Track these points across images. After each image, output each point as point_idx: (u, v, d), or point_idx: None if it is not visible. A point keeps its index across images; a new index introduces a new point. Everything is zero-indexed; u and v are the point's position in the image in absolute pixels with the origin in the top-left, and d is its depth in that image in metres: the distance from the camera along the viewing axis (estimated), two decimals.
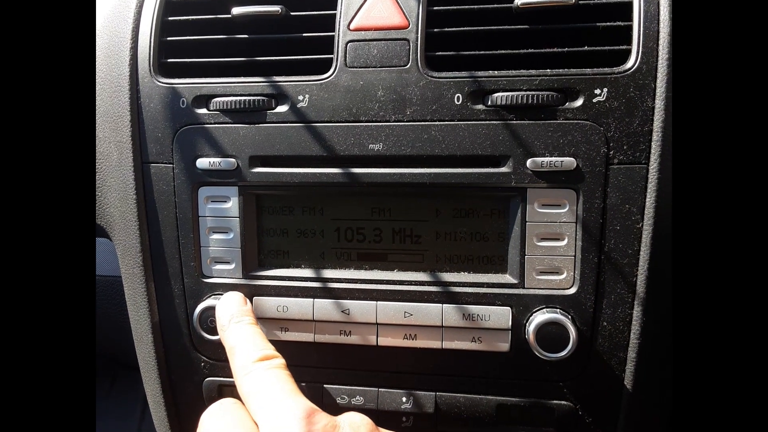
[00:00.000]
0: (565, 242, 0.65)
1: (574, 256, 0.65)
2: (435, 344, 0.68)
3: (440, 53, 0.66)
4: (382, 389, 0.72)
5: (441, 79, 0.65)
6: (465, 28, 0.66)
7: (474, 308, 0.67)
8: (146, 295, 0.74)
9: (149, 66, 0.72)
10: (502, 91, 0.64)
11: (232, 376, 0.74)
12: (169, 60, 0.73)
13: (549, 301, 0.66)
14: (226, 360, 0.74)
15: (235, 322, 0.64)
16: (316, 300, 0.70)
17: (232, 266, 0.72)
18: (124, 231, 0.75)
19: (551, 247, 0.65)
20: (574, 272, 0.65)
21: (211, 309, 0.70)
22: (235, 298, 0.68)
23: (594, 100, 0.62)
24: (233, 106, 0.68)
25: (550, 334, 0.63)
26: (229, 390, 0.76)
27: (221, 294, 0.72)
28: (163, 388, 0.78)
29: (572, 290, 0.65)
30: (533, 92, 0.63)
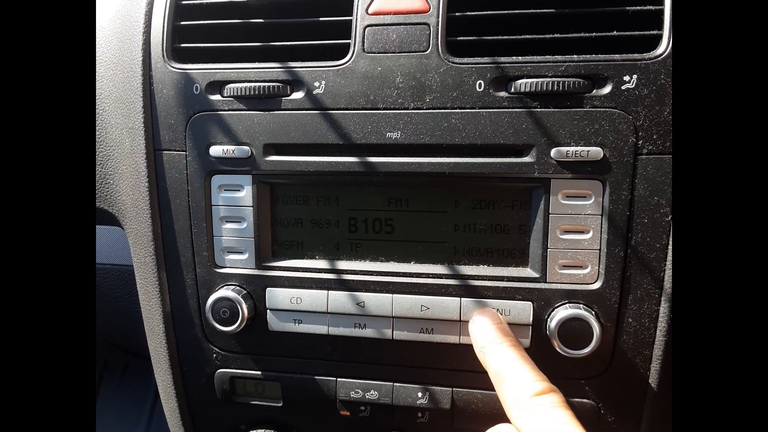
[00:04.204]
0: (589, 235, 0.62)
1: (599, 249, 0.62)
2: (452, 339, 0.66)
3: (462, 38, 0.64)
4: (398, 384, 0.70)
5: (462, 65, 0.63)
6: (487, 12, 0.63)
7: (493, 302, 0.65)
8: (158, 284, 0.73)
9: (162, 51, 0.70)
10: (526, 78, 0.61)
11: (244, 368, 0.74)
12: (182, 45, 0.71)
13: (572, 296, 0.63)
14: (239, 351, 0.74)
15: (496, 344, 0.59)
16: (330, 292, 0.68)
17: (245, 256, 0.70)
18: (136, 219, 0.74)
19: (575, 240, 0.63)
20: (599, 266, 0.63)
21: (223, 300, 0.69)
22: (490, 316, 0.63)
23: (623, 88, 0.60)
24: (247, 93, 0.67)
25: (573, 330, 0.61)
26: (240, 382, 0.75)
27: (234, 284, 0.71)
28: (174, 378, 0.77)
29: (596, 285, 0.63)
30: (559, 79, 0.60)
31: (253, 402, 0.76)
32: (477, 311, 0.64)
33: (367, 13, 0.65)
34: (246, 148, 0.68)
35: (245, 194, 0.69)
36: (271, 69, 0.67)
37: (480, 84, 0.62)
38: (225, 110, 0.68)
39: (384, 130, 0.65)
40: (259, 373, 0.74)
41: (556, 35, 0.62)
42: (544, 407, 0.51)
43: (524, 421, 0.52)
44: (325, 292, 0.69)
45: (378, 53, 0.65)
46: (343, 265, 0.69)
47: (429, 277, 0.67)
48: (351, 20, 0.66)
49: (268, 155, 0.68)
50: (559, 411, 0.51)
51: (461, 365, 0.68)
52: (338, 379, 0.72)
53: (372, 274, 0.68)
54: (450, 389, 0.69)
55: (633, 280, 0.62)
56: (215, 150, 0.68)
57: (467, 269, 0.66)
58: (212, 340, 0.74)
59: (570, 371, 0.65)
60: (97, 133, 0.76)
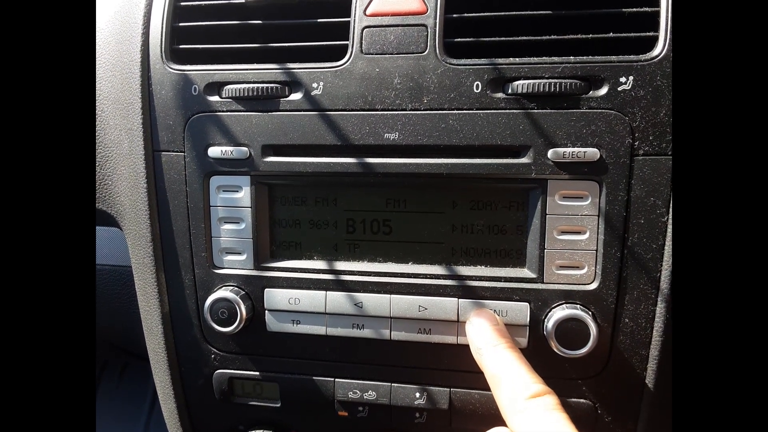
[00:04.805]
0: (586, 236, 0.63)
1: (596, 250, 0.63)
2: (450, 339, 0.67)
3: (459, 39, 0.64)
4: (395, 384, 0.70)
5: (460, 67, 0.63)
6: (485, 14, 0.64)
7: (491, 303, 0.65)
8: (156, 285, 0.74)
9: (161, 52, 0.71)
10: (523, 79, 0.61)
11: (242, 368, 0.74)
12: (181, 46, 0.71)
13: (569, 297, 0.64)
14: (237, 352, 0.74)
15: (492, 346, 0.59)
16: (328, 292, 0.69)
17: (244, 257, 0.71)
18: (135, 220, 0.74)
19: (572, 240, 0.63)
20: (596, 267, 0.63)
21: (222, 300, 0.69)
22: (487, 317, 0.63)
23: (619, 89, 0.60)
24: (246, 94, 0.67)
25: (570, 330, 0.62)
26: (239, 382, 0.75)
27: (232, 285, 0.71)
28: (173, 379, 0.77)
29: (593, 285, 0.63)
30: (556, 80, 0.61)
31: (251, 402, 0.76)
32: (474, 312, 0.64)
33: (365, 14, 0.65)
34: (244, 149, 0.68)
35: (244, 195, 0.69)
36: (270, 70, 0.67)
37: (477, 85, 0.63)
38: (223, 111, 0.69)
39: (382, 131, 0.65)
40: (257, 373, 0.74)
41: (552, 37, 0.62)
42: (540, 410, 0.51)
43: (519, 424, 0.52)
44: (324, 292, 0.69)
45: (376, 54, 0.65)
46: (341, 265, 0.69)
47: (427, 278, 0.67)
48: (349, 21, 0.66)
49: (266, 156, 0.68)
50: (554, 413, 0.51)
51: (459, 365, 0.68)
52: (336, 380, 0.72)
53: (370, 275, 0.68)
54: (448, 389, 0.69)
55: (630, 281, 0.63)
56: (214, 151, 0.69)
57: (465, 270, 0.66)
58: (211, 340, 0.74)
59: (567, 371, 0.65)
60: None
